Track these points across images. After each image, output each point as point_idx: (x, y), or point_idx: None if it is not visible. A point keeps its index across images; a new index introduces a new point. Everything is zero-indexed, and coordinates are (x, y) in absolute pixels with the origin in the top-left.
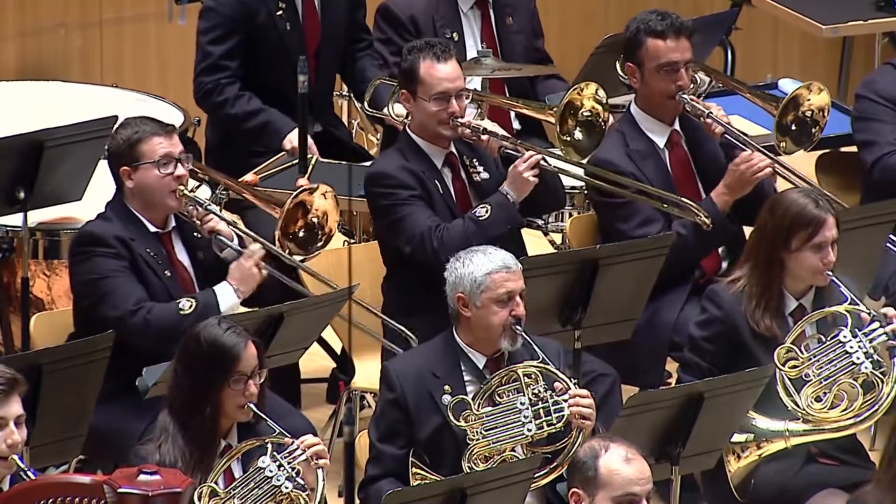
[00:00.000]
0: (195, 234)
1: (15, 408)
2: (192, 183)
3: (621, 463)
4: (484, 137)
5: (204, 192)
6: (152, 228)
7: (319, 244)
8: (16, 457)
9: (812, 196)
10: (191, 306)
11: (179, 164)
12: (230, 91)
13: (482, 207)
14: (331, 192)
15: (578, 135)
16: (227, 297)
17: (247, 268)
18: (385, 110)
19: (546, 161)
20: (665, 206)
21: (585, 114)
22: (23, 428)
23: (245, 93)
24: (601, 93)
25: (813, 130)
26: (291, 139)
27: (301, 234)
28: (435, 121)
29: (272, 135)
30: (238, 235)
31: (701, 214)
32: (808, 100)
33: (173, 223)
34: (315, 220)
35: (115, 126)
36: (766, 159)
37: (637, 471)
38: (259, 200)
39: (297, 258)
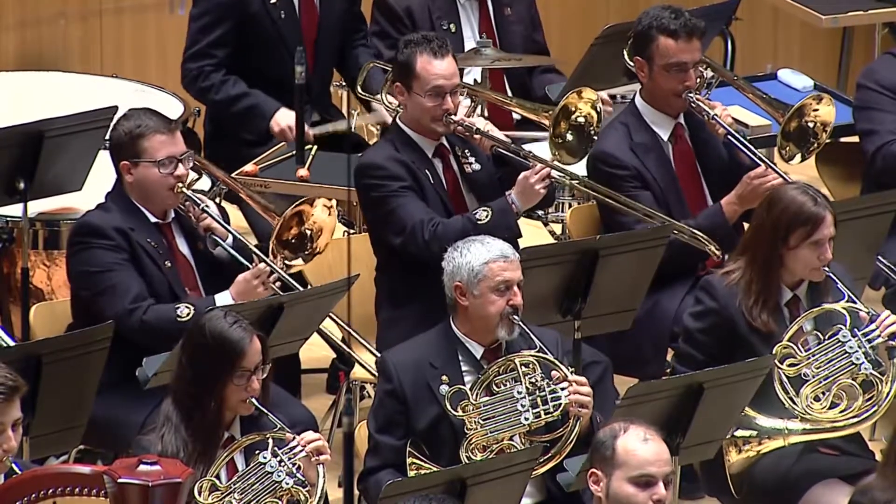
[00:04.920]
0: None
1: (13, 413)
2: (192, 175)
3: (639, 443)
4: (476, 137)
5: (204, 184)
6: (153, 219)
7: (305, 254)
8: (9, 458)
9: (810, 193)
10: (188, 314)
11: (180, 164)
12: (215, 77)
13: (483, 211)
14: (333, 207)
15: (570, 137)
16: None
17: (253, 285)
18: (379, 96)
19: (556, 174)
20: (676, 233)
21: (580, 119)
22: (19, 430)
23: (230, 77)
24: (600, 105)
25: (812, 140)
26: (278, 120)
27: (293, 241)
28: (428, 116)
29: (258, 118)
30: (233, 235)
31: (711, 246)
32: (816, 110)
33: (173, 214)
34: (308, 231)
35: (119, 116)
36: (780, 178)
37: (654, 452)
38: (257, 206)
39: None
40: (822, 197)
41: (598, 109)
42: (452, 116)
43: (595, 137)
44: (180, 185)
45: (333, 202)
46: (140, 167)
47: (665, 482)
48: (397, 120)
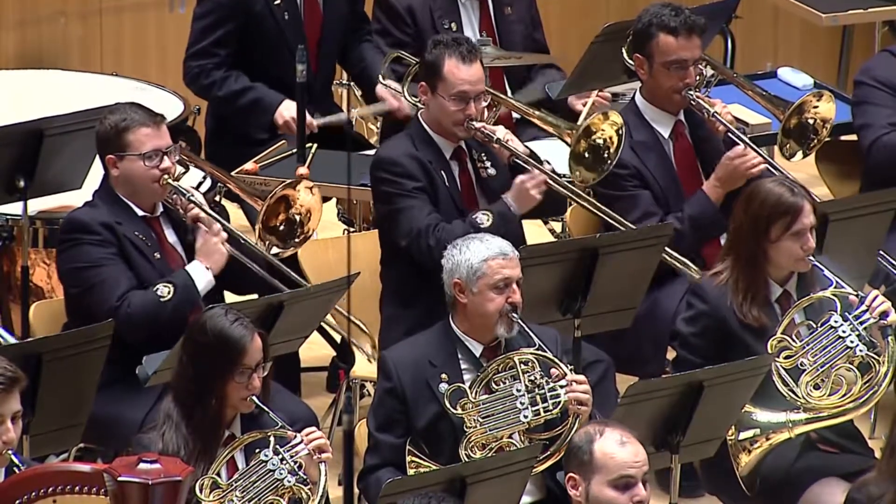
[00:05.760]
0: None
1: (13, 405)
2: (178, 169)
3: (616, 446)
4: (495, 145)
5: (192, 177)
6: (140, 213)
7: (297, 241)
8: (10, 452)
9: (786, 184)
10: (169, 291)
11: (166, 157)
12: (216, 74)
13: (483, 214)
14: (316, 188)
15: (587, 156)
16: (201, 275)
17: (212, 243)
18: (401, 90)
19: (552, 182)
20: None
21: (598, 140)
22: (18, 424)
23: (231, 72)
24: (623, 130)
25: (812, 137)
26: (283, 112)
27: (282, 227)
28: (451, 120)
29: (263, 111)
30: (222, 224)
31: (692, 272)
32: (815, 107)
33: (161, 209)
34: (297, 216)
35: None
36: (760, 157)
37: (632, 453)
38: (243, 192)
39: (275, 251)
40: (798, 187)
41: (620, 133)
42: (474, 122)
43: (610, 161)
44: (166, 177)
45: (313, 185)
46: (125, 160)
47: (643, 482)
48: (418, 116)
